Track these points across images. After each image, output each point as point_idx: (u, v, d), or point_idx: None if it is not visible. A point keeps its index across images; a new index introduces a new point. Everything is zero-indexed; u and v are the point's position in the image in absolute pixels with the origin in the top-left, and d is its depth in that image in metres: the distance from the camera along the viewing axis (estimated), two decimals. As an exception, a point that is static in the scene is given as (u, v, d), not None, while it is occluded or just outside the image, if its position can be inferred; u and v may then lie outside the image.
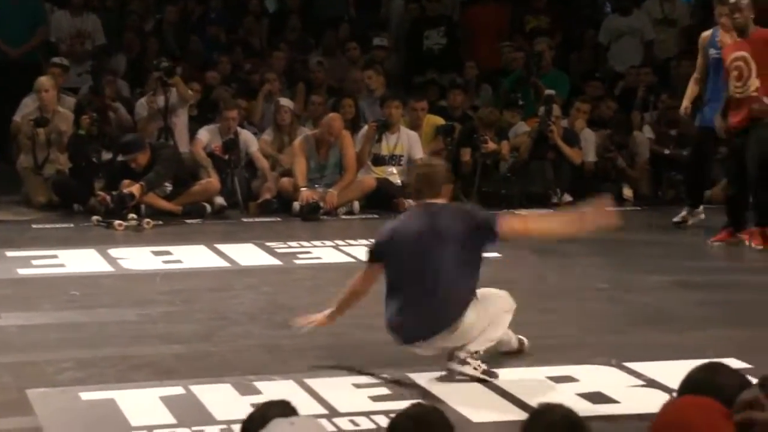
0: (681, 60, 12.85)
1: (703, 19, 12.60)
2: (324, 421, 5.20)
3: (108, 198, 10.27)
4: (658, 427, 3.21)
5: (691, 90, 10.19)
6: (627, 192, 11.87)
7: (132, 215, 10.22)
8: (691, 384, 3.20)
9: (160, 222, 10.33)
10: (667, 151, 11.95)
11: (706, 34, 10.03)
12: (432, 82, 13.38)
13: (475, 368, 5.80)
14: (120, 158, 10.56)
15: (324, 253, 9.25)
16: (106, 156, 11.00)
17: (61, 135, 11.27)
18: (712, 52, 9.88)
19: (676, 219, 10.49)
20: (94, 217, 10.33)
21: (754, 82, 9.31)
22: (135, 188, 10.29)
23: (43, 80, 11.45)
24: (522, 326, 6.98)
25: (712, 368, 3.25)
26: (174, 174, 10.66)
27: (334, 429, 5.20)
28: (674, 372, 5.91)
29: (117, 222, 10.13)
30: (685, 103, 10.23)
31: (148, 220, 10.25)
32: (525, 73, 13.00)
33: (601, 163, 11.99)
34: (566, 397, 5.64)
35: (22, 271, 8.41)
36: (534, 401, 5.52)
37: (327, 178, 11.15)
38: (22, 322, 7.03)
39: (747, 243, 9.54)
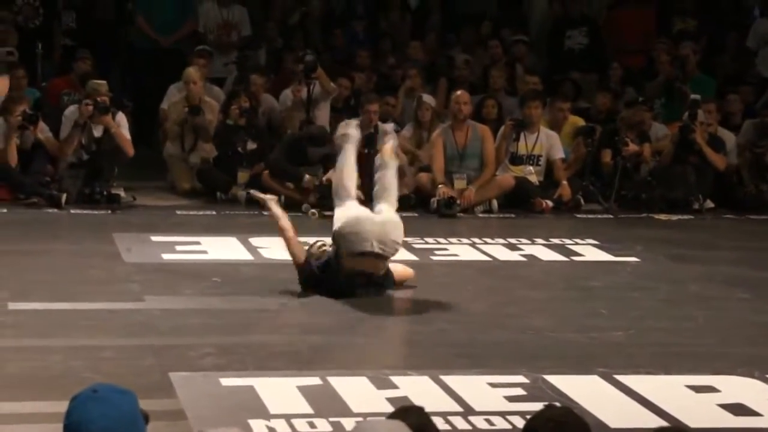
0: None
1: None
2: (459, 419, 5.23)
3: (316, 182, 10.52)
4: None
5: None
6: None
7: None
8: None
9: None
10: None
11: None
12: (570, 80, 13.25)
13: None
14: (311, 148, 10.74)
15: (461, 250, 9.24)
16: (251, 146, 11.17)
17: (207, 124, 11.47)
18: None
19: None
20: (305, 205, 10.39)
21: None
22: (331, 175, 10.51)
23: (192, 71, 11.59)
24: (659, 333, 6.93)
25: None
26: None
27: (470, 427, 5.20)
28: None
29: (311, 210, 10.30)
30: None
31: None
32: (669, 76, 12.80)
33: (748, 158, 11.67)
34: (707, 407, 5.56)
35: (166, 256, 8.58)
36: (673, 410, 5.47)
37: (465, 168, 11.13)
38: (165, 305, 7.19)
39: None
